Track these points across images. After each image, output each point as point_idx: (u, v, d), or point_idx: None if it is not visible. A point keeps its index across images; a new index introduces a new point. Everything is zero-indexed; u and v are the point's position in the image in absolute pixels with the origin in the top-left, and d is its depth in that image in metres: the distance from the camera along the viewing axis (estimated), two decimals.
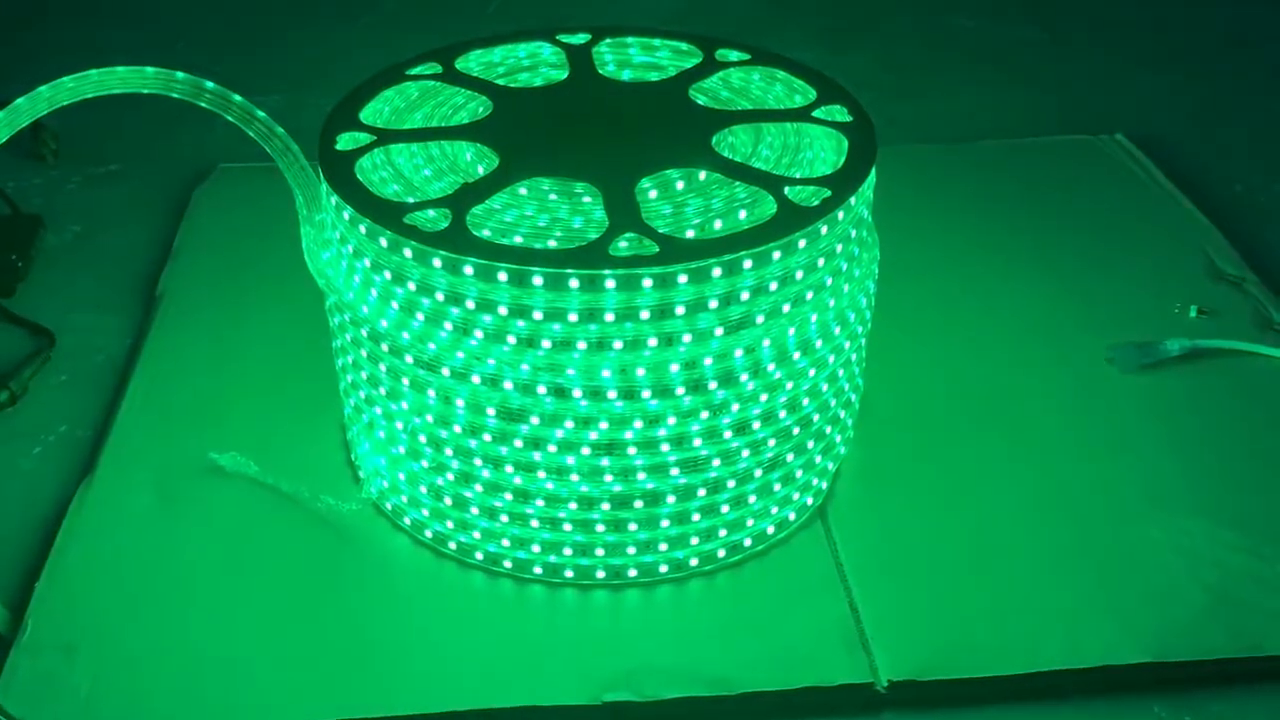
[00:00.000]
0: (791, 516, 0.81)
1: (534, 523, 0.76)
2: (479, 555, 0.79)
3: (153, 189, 1.20)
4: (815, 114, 0.81)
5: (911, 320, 0.99)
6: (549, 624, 0.76)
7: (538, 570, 0.78)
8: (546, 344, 0.69)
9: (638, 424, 0.72)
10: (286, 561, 0.79)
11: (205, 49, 1.49)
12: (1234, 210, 1.16)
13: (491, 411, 0.72)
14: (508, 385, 0.71)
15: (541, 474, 0.74)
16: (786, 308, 0.72)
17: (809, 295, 0.73)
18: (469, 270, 0.68)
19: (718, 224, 0.73)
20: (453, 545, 0.79)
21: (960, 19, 1.59)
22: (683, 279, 0.68)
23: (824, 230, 0.72)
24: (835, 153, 0.78)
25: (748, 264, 0.69)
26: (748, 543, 0.80)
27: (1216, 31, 1.56)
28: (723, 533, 0.78)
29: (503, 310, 0.69)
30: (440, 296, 0.70)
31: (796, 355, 0.74)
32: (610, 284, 0.67)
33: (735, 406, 0.73)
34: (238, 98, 0.77)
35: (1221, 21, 1.58)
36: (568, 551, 0.77)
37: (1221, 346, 0.96)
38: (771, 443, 0.76)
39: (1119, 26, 1.58)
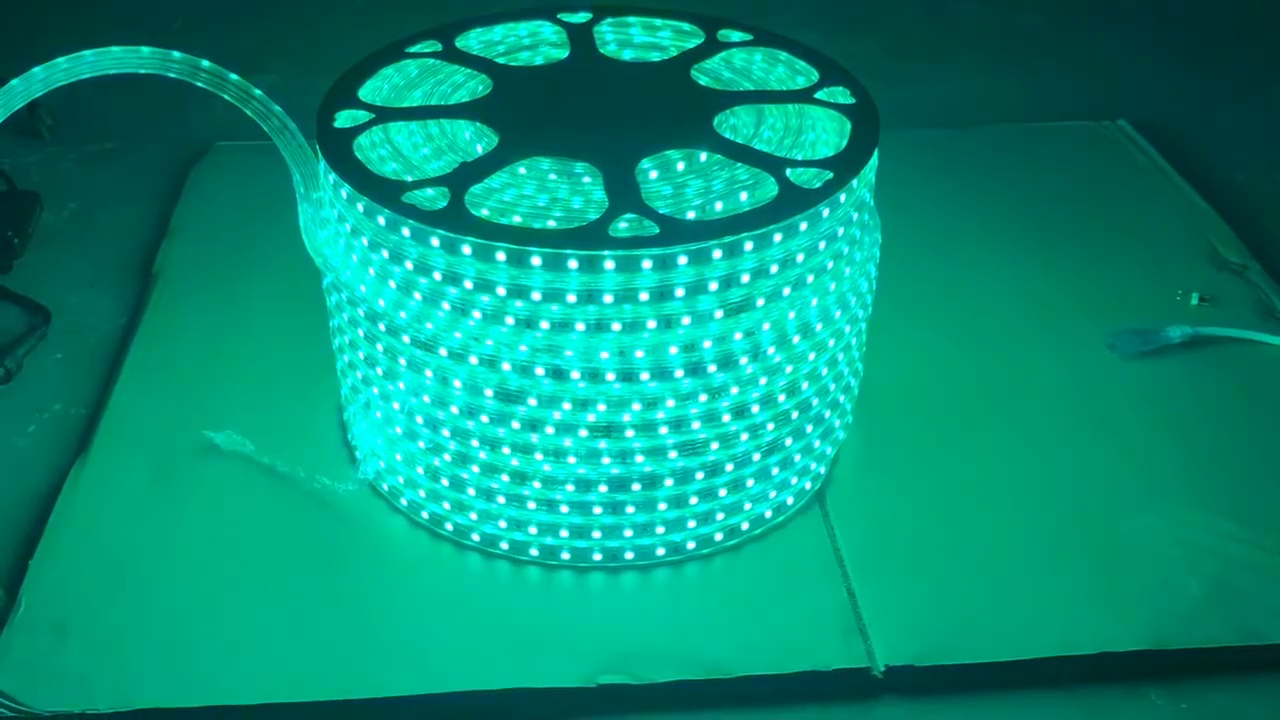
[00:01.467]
0: (790, 501, 0.81)
1: (531, 504, 0.76)
2: (475, 537, 0.78)
3: (150, 167, 1.20)
4: (817, 96, 0.81)
5: (912, 305, 0.98)
6: (545, 606, 0.76)
7: (534, 552, 0.77)
8: (545, 325, 0.69)
9: (636, 406, 0.71)
10: (282, 542, 0.79)
11: (203, 26, 1.48)
12: (1237, 197, 1.16)
13: (489, 392, 0.72)
14: (505, 366, 0.70)
15: (539, 456, 0.74)
16: (787, 291, 0.72)
17: (810, 278, 0.72)
18: (467, 250, 0.68)
19: (718, 205, 0.72)
20: (449, 526, 0.79)
21: (964, 3, 1.58)
22: (683, 260, 0.67)
23: (825, 213, 0.71)
24: (837, 135, 0.77)
25: (748, 246, 0.68)
26: (745, 526, 0.79)
27: (1221, 18, 1.56)
28: (720, 516, 0.78)
29: (501, 290, 0.68)
30: (438, 276, 0.69)
31: (796, 339, 0.73)
32: (609, 265, 0.67)
33: (734, 390, 0.73)
34: (234, 76, 0.76)
35: (1226, 8, 1.58)
36: (564, 534, 0.76)
37: (1223, 334, 0.96)
38: (770, 427, 0.76)
39: (1123, 12, 1.57)
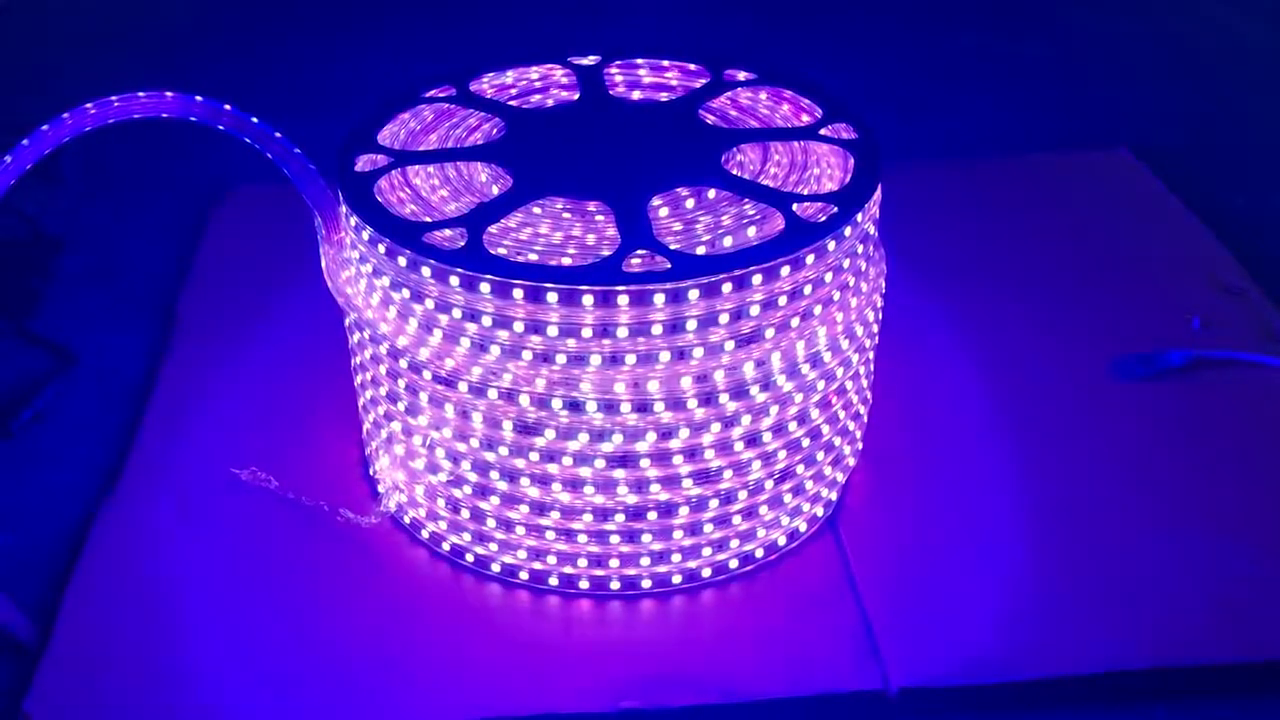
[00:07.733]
0: (802, 527, 0.83)
1: (550, 534, 0.77)
2: (496, 567, 0.80)
3: (171, 210, 1.22)
4: (822, 132, 0.83)
5: (918, 333, 1.00)
6: (564, 633, 0.77)
7: (553, 581, 0.79)
8: (561, 359, 0.71)
9: (651, 437, 0.73)
10: (306, 576, 0.80)
11: (220, 72, 1.51)
12: (1237, 222, 1.17)
13: (508, 425, 0.74)
14: (523, 400, 0.72)
15: (557, 486, 0.75)
16: (796, 321, 0.73)
17: (817, 309, 0.74)
18: (486, 288, 0.70)
19: (728, 240, 0.74)
20: (470, 557, 0.81)
21: (965, 35, 1.61)
22: (694, 294, 0.69)
23: (831, 246, 0.73)
24: (842, 170, 0.79)
25: (757, 279, 0.70)
26: (759, 553, 0.81)
27: (1220, 45, 1.58)
28: (735, 543, 0.79)
29: (519, 326, 0.70)
30: (458, 314, 0.72)
31: (805, 369, 0.75)
32: (623, 300, 0.69)
33: (746, 419, 0.74)
34: (255, 120, 0.78)
35: (1225, 35, 1.60)
36: (583, 562, 0.78)
37: (1224, 357, 0.98)
38: (782, 455, 0.78)
39: (1123, 41, 1.60)
